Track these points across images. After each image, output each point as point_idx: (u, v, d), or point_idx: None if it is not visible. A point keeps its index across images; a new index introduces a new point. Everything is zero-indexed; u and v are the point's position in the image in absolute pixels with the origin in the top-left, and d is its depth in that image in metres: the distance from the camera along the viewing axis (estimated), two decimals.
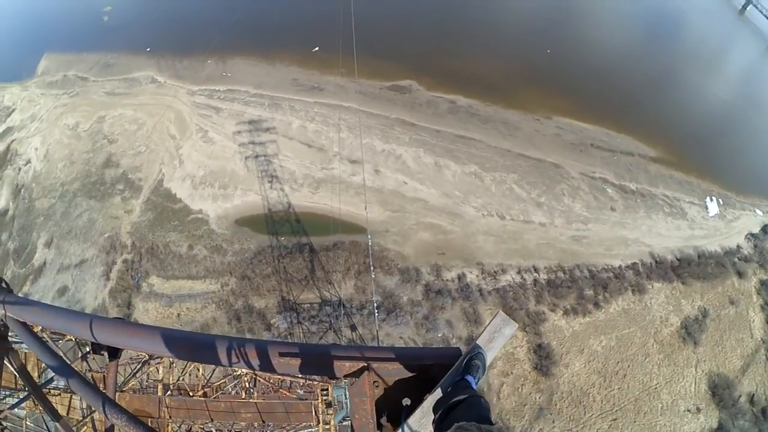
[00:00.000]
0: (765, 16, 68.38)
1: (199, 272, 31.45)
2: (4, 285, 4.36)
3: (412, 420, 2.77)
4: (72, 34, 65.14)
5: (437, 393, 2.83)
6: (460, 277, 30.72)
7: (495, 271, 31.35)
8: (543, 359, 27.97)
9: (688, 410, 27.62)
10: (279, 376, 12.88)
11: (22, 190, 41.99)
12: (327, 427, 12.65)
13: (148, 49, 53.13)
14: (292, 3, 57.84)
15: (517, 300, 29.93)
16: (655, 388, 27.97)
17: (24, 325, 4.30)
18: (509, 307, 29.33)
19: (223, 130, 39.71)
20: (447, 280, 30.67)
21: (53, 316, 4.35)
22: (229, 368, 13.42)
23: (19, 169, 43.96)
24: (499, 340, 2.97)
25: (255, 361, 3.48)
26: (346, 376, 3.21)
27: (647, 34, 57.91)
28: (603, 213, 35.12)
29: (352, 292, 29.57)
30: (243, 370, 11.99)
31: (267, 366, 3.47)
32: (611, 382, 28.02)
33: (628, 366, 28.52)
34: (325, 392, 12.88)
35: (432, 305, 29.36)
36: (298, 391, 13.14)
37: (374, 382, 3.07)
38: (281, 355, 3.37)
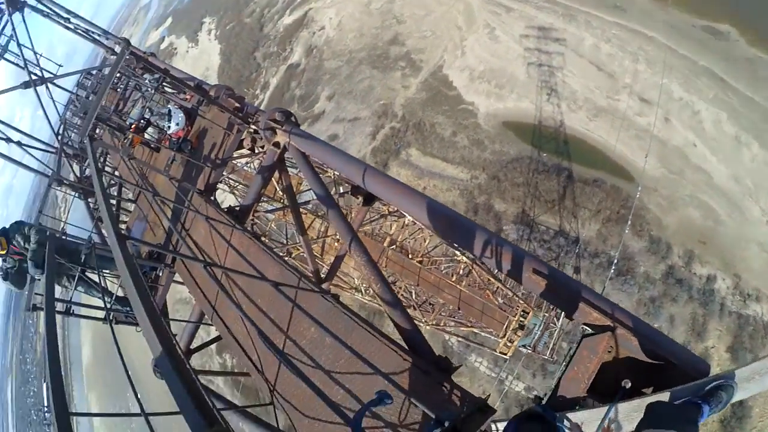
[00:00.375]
0: None
1: (455, 158, 32.80)
2: (293, 119, 4.71)
3: (624, 406, 2.54)
4: None
5: (663, 396, 2.54)
6: (710, 279, 25.82)
7: (749, 294, 25.46)
8: (734, 419, 22.81)
9: None
10: (491, 278, 13.18)
11: (314, 51, 48.81)
12: (509, 344, 13.22)
13: None
14: None
15: (753, 339, 24.16)
16: None
17: (303, 154, 4.60)
18: (740, 341, 24.19)
19: (511, 31, 38.40)
20: (695, 273, 26.09)
21: (331, 154, 4.58)
22: (450, 251, 13.57)
23: (314, 33, 50.62)
24: (757, 385, 2.50)
25: (506, 265, 3.41)
26: (585, 324, 3.02)
27: None
28: None
29: (592, 236, 27.46)
30: (464, 258, 12.31)
31: (516, 274, 3.37)
32: None
33: None
34: (524, 314, 13.27)
35: (665, 291, 25.75)
36: (499, 299, 13.27)
37: (610, 346, 2.86)
38: (535, 271, 3.24)
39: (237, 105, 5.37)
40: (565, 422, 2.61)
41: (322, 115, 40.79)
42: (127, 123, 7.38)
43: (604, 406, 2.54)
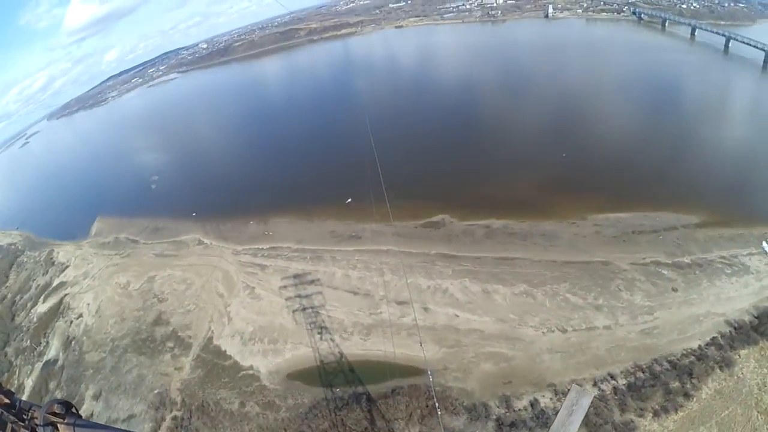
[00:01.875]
0: (746, 43, 71.14)
1: (252, 430, 30.00)
2: (74, 410, 4.45)
3: None
4: (123, 200, 73.47)
5: None
6: (533, 404, 27.94)
7: (568, 389, 28.00)
8: None
9: None
10: None
11: (73, 342, 43.61)
12: None
13: (194, 214, 59.18)
14: (322, 163, 64.12)
15: (600, 414, 26.54)
16: None
17: None
18: (592, 423, 25.96)
19: (270, 286, 41.26)
20: (519, 409, 27.90)
21: None
22: None
23: (71, 322, 46.24)
24: (579, 414, 2.95)
25: None
26: None
27: (650, 111, 60.27)
28: (666, 297, 32.88)
29: None
30: None
31: None
32: None
33: None
34: None
35: None
36: None
37: None
38: None
39: (6, 401, 4.67)
40: None
41: (91, 419, 33.88)
42: None
43: None
